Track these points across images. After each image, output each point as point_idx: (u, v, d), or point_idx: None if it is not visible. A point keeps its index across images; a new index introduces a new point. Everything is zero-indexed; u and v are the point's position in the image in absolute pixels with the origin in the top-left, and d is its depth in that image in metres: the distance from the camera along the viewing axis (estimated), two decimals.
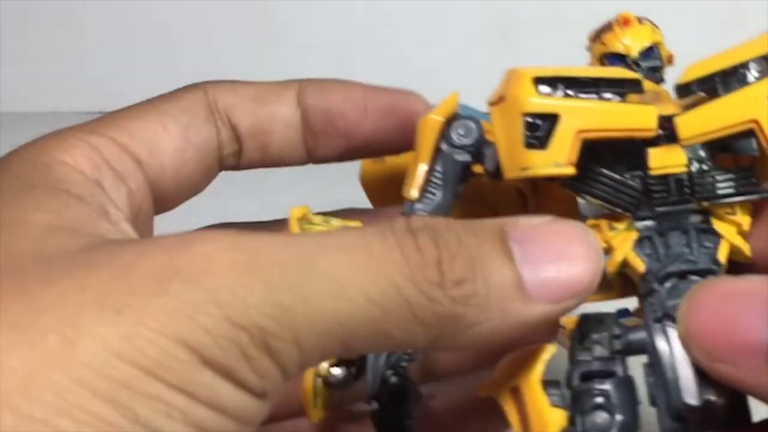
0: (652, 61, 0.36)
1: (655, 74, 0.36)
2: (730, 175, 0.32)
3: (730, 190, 0.32)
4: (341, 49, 0.83)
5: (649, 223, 0.32)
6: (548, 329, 0.32)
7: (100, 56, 0.87)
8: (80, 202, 0.30)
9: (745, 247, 0.32)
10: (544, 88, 0.31)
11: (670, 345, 0.30)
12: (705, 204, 0.32)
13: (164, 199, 0.35)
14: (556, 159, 0.31)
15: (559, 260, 0.28)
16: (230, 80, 0.37)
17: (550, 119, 0.31)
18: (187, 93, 0.36)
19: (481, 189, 0.35)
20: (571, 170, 0.31)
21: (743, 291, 0.28)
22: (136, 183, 0.33)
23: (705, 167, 0.32)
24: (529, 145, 0.31)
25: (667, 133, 0.31)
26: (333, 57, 0.83)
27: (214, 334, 0.24)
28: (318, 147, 0.37)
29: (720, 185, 0.32)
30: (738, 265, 0.33)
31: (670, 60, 0.37)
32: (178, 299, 0.24)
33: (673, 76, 0.35)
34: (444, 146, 0.34)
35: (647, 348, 0.30)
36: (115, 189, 0.32)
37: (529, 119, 0.31)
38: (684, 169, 0.32)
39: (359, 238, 0.27)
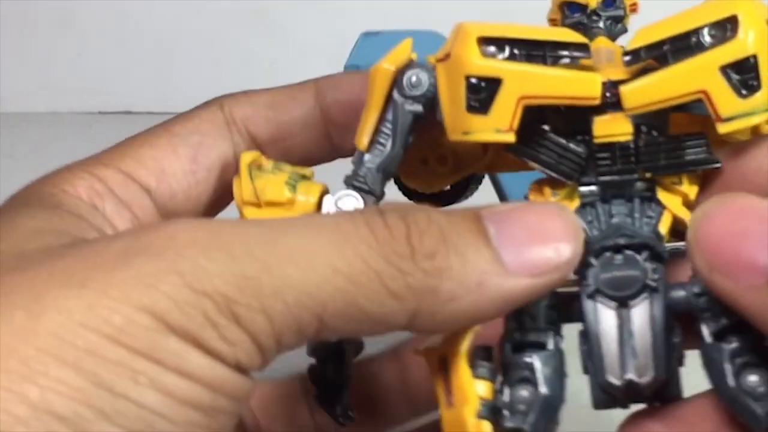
0: (614, 10, 0.34)
1: (617, 25, 0.34)
2: (679, 144, 0.31)
3: (676, 160, 0.31)
4: (341, 49, 0.83)
5: (593, 188, 0.31)
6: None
7: (100, 56, 0.87)
8: (76, 217, 0.31)
9: (689, 219, 0.30)
10: (490, 49, 0.30)
11: (599, 323, 0.30)
12: (648, 175, 0.31)
13: None
14: (497, 125, 0.30)
15: (538, 236, 0.28)
16: (246, 91, 0.37)
17: (493, 83, 0.29)
18: (202, 111, 0.36)
19: (442, 130, 0.33)
20: (511, 137, 0.30)
21: (763, 210, 0.27)
22: (142, 209, 0.34)
23: (654, 133, 0.31)
24: (471, 109, 0.30)
25: (614, 100, 0.30)
26: (333, 57, 0.83)
27: (176, 300, 0.25)
28: (345, 141, 0.36)
29: (665, 155, 0.31)
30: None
31: (633, 8, 0.35)
32: (140, 270, 0.25)
33: (637, 25, 0.33)
34: (396, 95, 0.33)
35: (581, 316, 0.30)
36: (117, 215, 0.33)
37: (473, 81, 0.30)
38: (629, 138, 0.30)
39: (326, 218, 0.28)
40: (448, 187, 0.37)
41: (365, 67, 0.41)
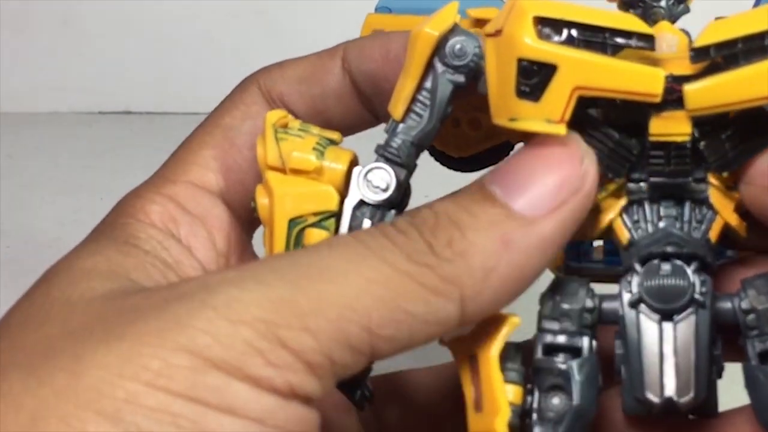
0: None
1: (679, 6, 0.31)
2: (738, 127, 0.29)
3: (742, 146, 0.29)
4: None
5: (642, 185, 0.29)
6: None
7: (100, 56, 0.87)
8: (142, 252, 0.31)
9: (741, 227, 0.30)
10: (546, 30, 0.27)
11: (640, 335, 0.29)
12: (725, 174, 0.29)
13: None
14: (548, 115, 0.27)
15: (540, 169, 0.27)
16: (280, 62, 0.36)
17: (548, 68, 0.27)
18: (244, 95, 0.35)
19: (478, 95, 0.31)
20: (561, 130, 0.28)
21: None
22: (218, 220, 0.33)
23: (708, 128, 0.29)
24: (521, 94, 0.27)
25: (675, 97, 0.28)
26: None
27: (214, 334, 0.24)
28: (378, 109, 0.35)
29: (730, 145, 0.29)
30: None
31: None
32: (175, 314, 0.25)
33: (699, 7, 0.32)
34: (437, 63, 0.30)
35: (619, 320, 0.29)
36: (192, 236, 0.33)
37: (525, 64, 0.27)
38: (687, 138, 0.28)
39: (347, 236, 0.28)
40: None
41: (396, 10, 0.40)
